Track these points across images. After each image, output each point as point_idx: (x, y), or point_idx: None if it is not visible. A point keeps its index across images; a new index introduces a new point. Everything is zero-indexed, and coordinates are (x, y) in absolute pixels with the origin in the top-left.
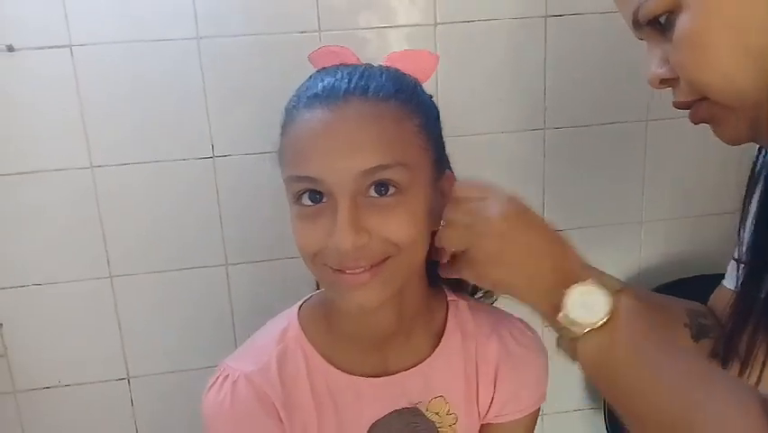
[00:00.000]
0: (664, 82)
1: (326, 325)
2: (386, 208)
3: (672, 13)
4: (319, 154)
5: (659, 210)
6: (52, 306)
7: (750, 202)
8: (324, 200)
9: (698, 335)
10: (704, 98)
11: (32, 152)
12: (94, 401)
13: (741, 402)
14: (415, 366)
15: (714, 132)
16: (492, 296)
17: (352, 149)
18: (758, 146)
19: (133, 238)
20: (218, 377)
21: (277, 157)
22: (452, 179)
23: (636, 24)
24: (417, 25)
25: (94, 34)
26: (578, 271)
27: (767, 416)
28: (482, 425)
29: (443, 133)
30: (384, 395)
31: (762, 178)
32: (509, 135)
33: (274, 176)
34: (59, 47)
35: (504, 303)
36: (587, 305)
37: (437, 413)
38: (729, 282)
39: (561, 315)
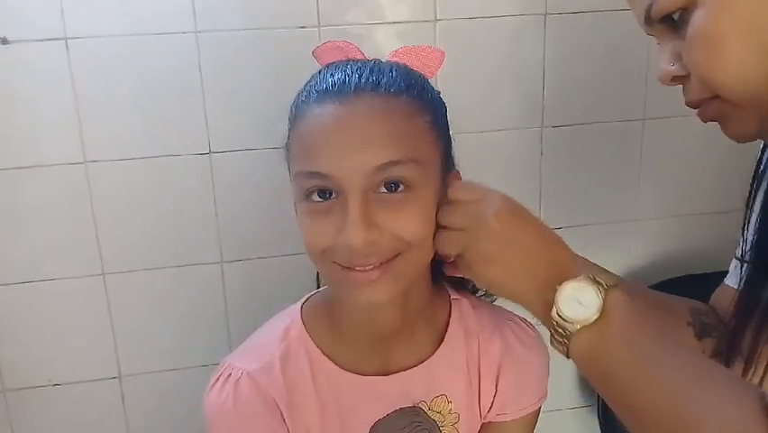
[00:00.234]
0: (675, 79)
1: (330, 323)
2: (396, 205)
3: (686, 11)
4: (330, 149)
5: (653, 209)
6: (43, 303)
7: (754, 200)
8: (333, 197)
9: (701, 333)
10: (714, 96)
11: (25, 147)
12: (85, 401)
13: (739, 398)
14: (417, 365)
15: (722, 129)
16: (493, 295)
17: (364, 144)
18: (762, 144)
19: (127, 235)
20: (220, 375)
21: (283, 152)
22: (458, 177)
23: (648, 21)
24: (417, 21)
25: (90, 27)
26: (571, 269)
27: (766, 412)
28: (483, 424)
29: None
30: (387, 394)
31: (766, 176)
32: (507, 133)
33: (271, 173)
34: (54, 40)
35: (505, 301)
36: (579, 301)
37: (440, 412)
38: (732, 281)
39: (553, 312)
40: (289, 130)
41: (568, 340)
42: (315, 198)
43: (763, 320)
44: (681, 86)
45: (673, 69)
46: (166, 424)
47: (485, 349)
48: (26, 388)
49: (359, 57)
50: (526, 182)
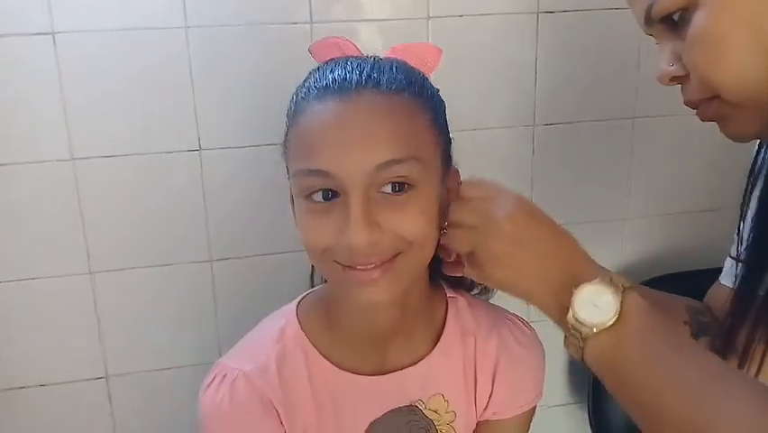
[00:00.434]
0: (674, 79)
1: (326, 323)
2: (398, 204)
3: (687, 11)
4: (331, 147)
5: (643, 207)
6: (28, 302)
7: (749, 199)
8: (334, 196)
9: (697, 332)
10: (714, 96)
11: (10, 143)
12: (71, 401)
13: (757, 400)
14: (414, 364)
15: (721, 129)
16: (489, 292)
17: (366, 142)
18: (758, 144)
19: (115, 233)
20: (215, 376)
21: (281, 150)
22: (458, 175)
23: (648, 21)
24: (410, 18)
25: (78, 22)
26: (586, 271)
27: None
28: (479, 422)
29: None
30: (383, 393)
31: (762, 175)
32: (499, 131)
33: (262, 170)
34: (41, 34)
35: (500, 299)
36: (596, 304)
37: (436, 411)
38: (727, 280)
39: (569, 315)
40: (288, 127)
41: (584, 343)
42: (316, 196)
43: (758, 319)
44: (680, 85)
45: (672, 69)
46: (154, 424)
47: (482, 348)
48: (11, 389)
49: (355, 53)
50: (518, 180)
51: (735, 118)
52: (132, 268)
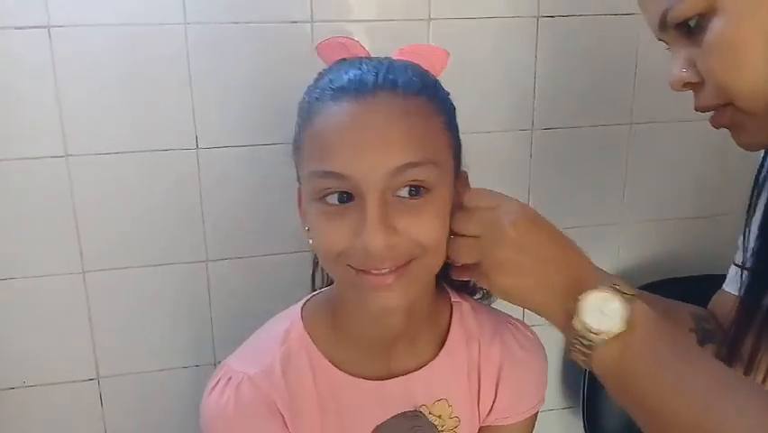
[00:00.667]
0: (687, 85)
1: (332, 326)
2: (415, 208)
3: (704, 17)
4: (348, 149)
5: (638, 212)
6: (19, 301)
7: (755, 207)
8: (350, 198)
9: (703, 339)
10: (727, 104)
11: (3, 139)
12: (61, 403)
13: (765, 409)
14: (419, 369)
15: (734, 137)
16: (491, 296)
17: (383, 144)
18: (764, 152)
19: (109, 232)
20: (219, 379)
21: (292, 151)
22: (467, 179)
23: (663, 26)
24: (411, 20)
25: (74, 16)
26: (592, 278)
27: None
28: (482, 427)
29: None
30: (388, 398)
31: (767, 183)
32: (497, 135)
33: (260, 170)
34: (36, 28)
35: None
36: (603, 312)
37: (440, 416)
38: (731, 287)
39: (576, 322)
40: (300, 128)
41: (591, 351)
42: (330, 198)
43: (764, 327)
44: (683, 91)
45: (686, 74)
46: (146, 427)
47: (486, 353)
48: None
49: (363, 54)
50: (515, 184)
51: (749, 127)
52: (126, 268)
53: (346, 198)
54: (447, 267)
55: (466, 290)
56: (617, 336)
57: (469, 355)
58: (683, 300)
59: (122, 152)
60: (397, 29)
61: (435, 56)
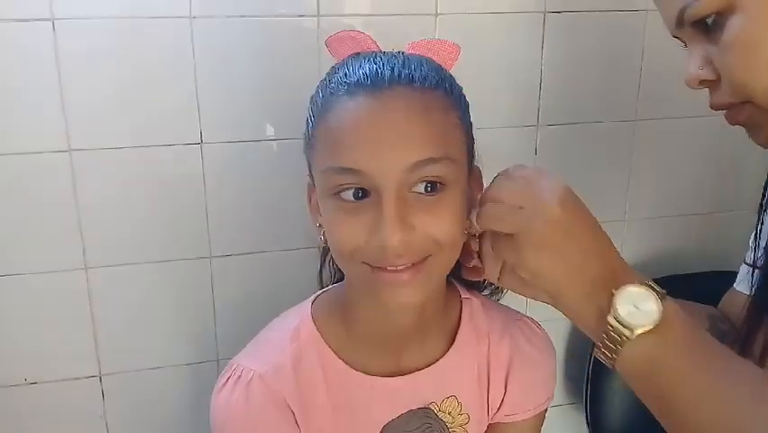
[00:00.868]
0: (703, 83)
1: (342, 323)
2: (432, 205)
3: (722, 15)
4: (364, 144)
5: (642, 209)
6: (20, 297)
7: (766, 206)
8: (365, 195)
9: (717, 340)
10: (745, 102)
11: (5, 133)
12: (63, 400)
13: None
14: (428, 366)
15: (751, 135)
16: (500, 292)
17: (400, 140)
18: None
19: (111, 228)
20: (229, 377)
21: (303, 146)
22: (480, 175)
23: (680, 23)
24: (418, 15)
25: (79, 8)
26: (625, 274)
27: None
28: (490, 424)
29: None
30: (398, 395)
31: None
32: (502, 131)
33: (264, 165)
34: (39, 20)
35: (510, 300)
36: (637, 307)
37: (449, 413)
38: (743, 286)
39: (610, 316)
40: (313, 123)
41: (621, 347)
42: (345, 195)
43: None
44: (690, 89)
45: (702, 72)
46: (148, 425)
47: (495, 350)
48: (0, 387)
49: (373, 48)
50: None
51: (765, 124)
52: (129, 264)
53: (361, 194)
54: (457, 264)
55: (475, 286)
56: (651, 331)
57: (478, 352)
58: (689, 297)
59: (125, 147)
60: (404, 24)
61: (447, 50)
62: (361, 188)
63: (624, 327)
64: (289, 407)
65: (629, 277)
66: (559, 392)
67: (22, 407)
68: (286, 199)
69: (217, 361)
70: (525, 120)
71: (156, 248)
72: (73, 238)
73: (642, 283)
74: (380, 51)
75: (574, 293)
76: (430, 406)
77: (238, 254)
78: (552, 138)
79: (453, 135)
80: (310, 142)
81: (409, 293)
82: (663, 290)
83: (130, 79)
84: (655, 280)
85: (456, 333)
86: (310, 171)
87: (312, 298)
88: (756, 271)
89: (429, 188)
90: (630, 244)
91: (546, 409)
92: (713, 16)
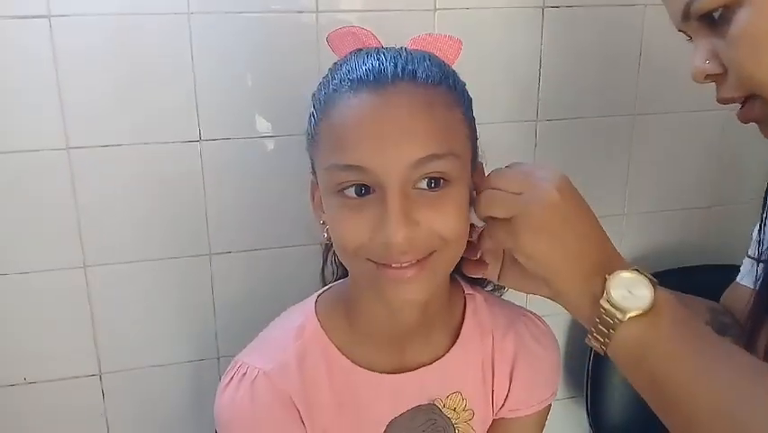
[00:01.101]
0: (709, 77)
1: (346, 320)
2: (436, 201)
3: (729, 9)
4: (368, 141)
5: (640, 203)
6: (19, 296)
7: None
8: (369, 191)
9: (719, 333)
10: (751, 96)
11: (2, 131)
12: (63, 400)
13: None
14: (433, 362)
15: (762, 131)
16: (503, 288)
17: (404, 136)
18: None
19: (110, 225)
20: (234, 375)
21: (306, 143)
22: (483, 171)
23: (687, 17)
24: (417, 10)
25: (75, 5)
26: (620, 261)
27: None
28: (495, 420)
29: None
30: (403, 391)
31: None
32: (501, 126)
33: (263, 162)
34: (36, 17)
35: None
36: (631, 292)
37: (454, 409)
38: (746, 280)
39: (603, 300)
40: (316, 120)
41: (613, 331)
42: (350, 192)
43: None
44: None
45: (708, 66)
46: (149, 423)
47: (499, 345)
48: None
49: (375, 43)
50: None
51: None
52: (128, 262)
53: (364, 190)
54: (461, 260)
55: (479, 282)
56: (643, 316)
57: (482, 348)
58: (688, 291)
59: (124, 145)
60: (403, 19)
61: (449, 45)
62: (365, 185)
63: (616, 309)
64: (294, 405)
65: (623, 264)
66: (560, 386)
67: (21, 406)
68: (285, 196)
69: (218, 358)
70: (524, 115)
71: (155, 246)
72: (72, 236)
73: (636, 270)
74: (383, 47)
75: (570, 277)
76: (435, 402)
77: (238, 252)
78: (551, 133)
79: (457, 131)
80: (313, 139)
81: (414, 290)
82: (656, 280)
83: (128, 76)
84: (655, 275)
85: (460, 329)
86: (313, 169)
87: (315, 295)
88: (761, 264)
89: (433, 185)
90: (630, 239)
91: (550, 405)
92: (720, 10)
